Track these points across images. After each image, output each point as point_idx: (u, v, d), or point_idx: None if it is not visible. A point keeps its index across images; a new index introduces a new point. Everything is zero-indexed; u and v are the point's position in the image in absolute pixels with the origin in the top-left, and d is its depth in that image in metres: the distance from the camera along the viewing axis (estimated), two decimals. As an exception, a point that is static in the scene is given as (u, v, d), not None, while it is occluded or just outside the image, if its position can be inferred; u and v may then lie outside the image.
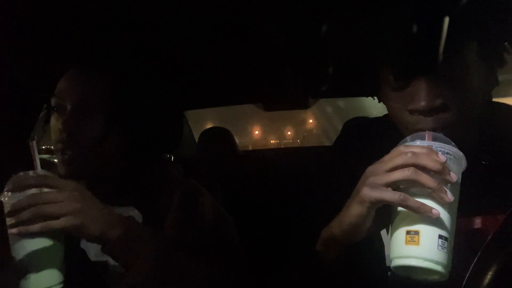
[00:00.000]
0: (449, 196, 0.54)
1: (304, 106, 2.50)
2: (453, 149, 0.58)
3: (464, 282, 0.45)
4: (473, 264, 0.45)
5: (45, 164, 0.74)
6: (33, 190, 0.67)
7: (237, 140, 2.30)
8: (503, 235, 0.45)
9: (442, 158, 0.55)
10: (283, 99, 2.18)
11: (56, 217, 0.66)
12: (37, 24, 0.85)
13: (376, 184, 0.58)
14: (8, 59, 0.86)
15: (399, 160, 0.56)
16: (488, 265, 0.42)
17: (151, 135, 0.96)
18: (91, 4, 0.85)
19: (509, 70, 0.79)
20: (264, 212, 1.73)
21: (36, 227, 0.64)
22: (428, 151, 0.56)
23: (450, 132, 0.63)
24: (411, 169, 0.55)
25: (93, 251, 0.83)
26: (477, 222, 0.67)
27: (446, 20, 0.63)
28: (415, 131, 0.65)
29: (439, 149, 0.57)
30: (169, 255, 0.76)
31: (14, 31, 0.83)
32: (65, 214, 0.66)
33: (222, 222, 0.92)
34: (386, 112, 0.77)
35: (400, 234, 0.56)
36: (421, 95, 0.65)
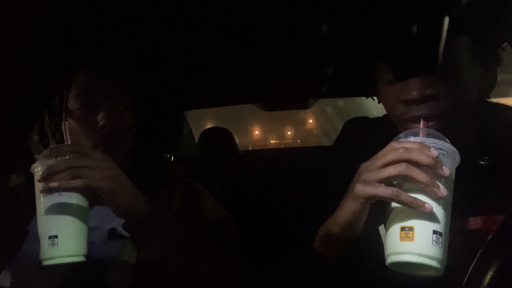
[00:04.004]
0: (442, 191, 0.54)
1: (304, 106, 2.50)
2: (446, 145, 0.58)
3: (464, 282, 0.45)
4: (473, 264, 0.45)
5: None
6: None
7: (237, 140, 2.30)
8: (503, 235, 0.45)
9: (435, 152, 0.55)
10: (283, 99, 2.18)
11: (94, 179, 0.68)
12: (38, 24, 0.85)
13: (369, 180, 0.58)
14: (9, 59, 0.86)
15: (391, 156, 0.57)
16: (488, 265, 0.42)
17: (152, 135, 0.96)
18: (91, 3, 0.85)
19: (509, 70, 0.79)
20: (264, 212, 1.73)
21: (76, 182, 0.66)
22: (420, 146, 0.56)
23: (442, 122, 0.65)
24: (404, 164, 0.55)
25: (93, 250, 0.82)
26: (476, 223, 0.67)
27: (441, 18, 0.63)
28: (407, 120, 0.66)
29: (431, 144, 0.57)
30: (185, 240, 0.78)
31: (16, 31, 0.84)
32: (102, 178, 0.68)
33: (223, 222, 0.92)
34: (386, 112, 0.77)
35: (394, 230, 0.56)
36: (413, 85, 0.66)
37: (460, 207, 0.67)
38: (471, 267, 0.45)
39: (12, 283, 0.80)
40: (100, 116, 0.87)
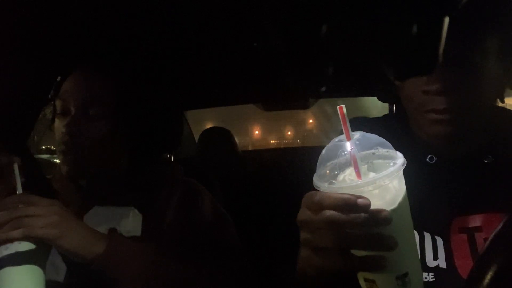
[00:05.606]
0: (391, 240, 0.45)
1: (304, 106, 2.50)
2: (391, 170, 0.46)
3: (464, 282, 0.45)
4: (473, 264, 0.45)
5: (45, 164, 0.74)
6: None
7: (237, 140, 2.30)
8: (503, 236, 0.45)
9: (365, 202, 0.44)
10: (283, 99, 2.19)
11: (36, 227, 0.66)
12: (38, 24, 0.85)
13: (325, 249, 0.49)
14: (9, 59, 0.86)
15: (320, 224, 0.48)
16: (488, 265, 0.42)
17: (152, 135, 0.96)
18: (91, 5, 0.85)
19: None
20: (264, 212, 1.73)
21: (17, 232, 0.65)
22: (345, 206, 0.45)
23: (459, 117, 0.64)
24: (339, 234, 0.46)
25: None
26: (479, 220, 0.67)
27: (470, 13, 0.62)
28: (427, 111, 0.66)
29: (377, 181, 0.45)
30: (160, 265, 0.76)
31: (16, 31, 0.84)
32: (45, 225, 0.67)
33: (222, 222, 0.92)
34: (386, 112, 0.77)
35: (360, 280, 0.50)
36: (436, 76, 0.65)
37: (463, 204, 0.67)
38: (471, 267, 0.45)
39: None
40: (63, 122, 0.85)
